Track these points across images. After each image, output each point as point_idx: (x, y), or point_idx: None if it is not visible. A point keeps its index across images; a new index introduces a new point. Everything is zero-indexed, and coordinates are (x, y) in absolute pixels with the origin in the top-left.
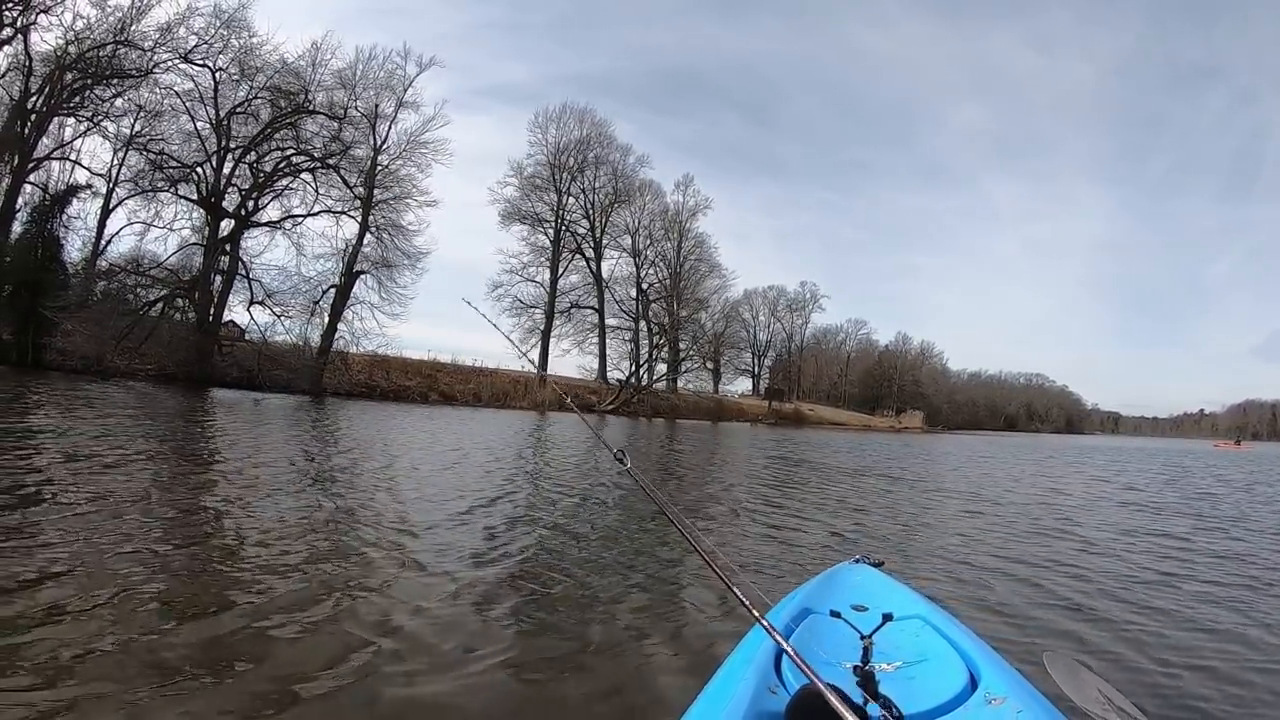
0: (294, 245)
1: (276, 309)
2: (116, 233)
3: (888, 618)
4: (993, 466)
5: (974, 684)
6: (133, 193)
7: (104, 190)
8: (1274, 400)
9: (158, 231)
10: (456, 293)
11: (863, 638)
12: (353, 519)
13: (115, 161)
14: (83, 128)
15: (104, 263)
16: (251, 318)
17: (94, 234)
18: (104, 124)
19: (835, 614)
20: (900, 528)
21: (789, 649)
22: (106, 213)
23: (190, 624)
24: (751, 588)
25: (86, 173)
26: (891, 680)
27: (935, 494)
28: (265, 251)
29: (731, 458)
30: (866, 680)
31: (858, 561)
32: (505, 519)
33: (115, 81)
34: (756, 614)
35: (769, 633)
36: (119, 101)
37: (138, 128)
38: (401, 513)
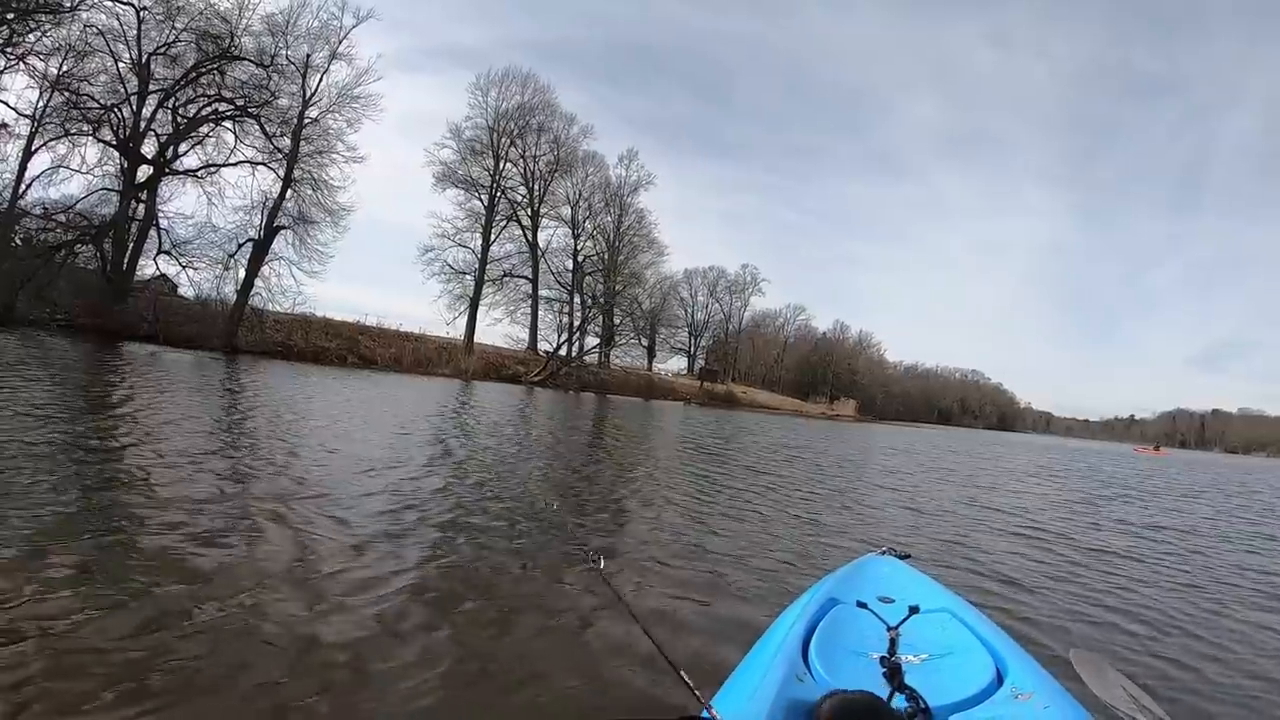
0: (205, 195)
1: (183, 259)
2: (38, 176)
3: (914, 610)
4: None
5: (1000, 678)
6: (54, 135)
7: (26, 131)
8: (1203, 410)
9: (79, 178)
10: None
11: (889, 629)
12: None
13: (41, 103)
14: (1, 64)
15: (20, 207)
16: (157, 268)
17: (14, 176)
18: (31, 61)
19: (862, 605)
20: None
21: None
22: (29, 155)
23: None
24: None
25: (13, 113)
26: (918, 672)
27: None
28: (174, 198)
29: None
30: (893, 672)
31: (884, 553)
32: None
33: (39, 17)
34: (701, 699)
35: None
36: (46, 40)
37: (65, 68)
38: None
